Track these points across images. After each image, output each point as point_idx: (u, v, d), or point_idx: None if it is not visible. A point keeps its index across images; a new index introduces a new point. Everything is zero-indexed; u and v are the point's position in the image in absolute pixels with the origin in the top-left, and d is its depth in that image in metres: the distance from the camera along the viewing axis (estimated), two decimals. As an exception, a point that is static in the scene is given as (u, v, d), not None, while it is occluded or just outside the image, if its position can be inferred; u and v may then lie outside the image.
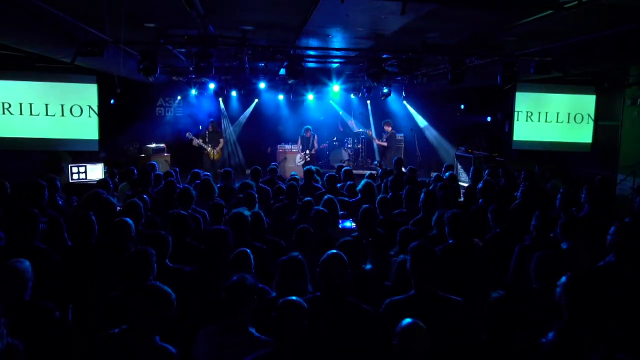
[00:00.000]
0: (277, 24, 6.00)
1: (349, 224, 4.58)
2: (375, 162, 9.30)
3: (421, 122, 14.81)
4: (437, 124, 14.58)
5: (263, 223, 4.77)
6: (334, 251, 3.01)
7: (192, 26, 6.23)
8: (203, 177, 8.46)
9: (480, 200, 6.52)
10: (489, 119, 13.79)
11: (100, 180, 6.96)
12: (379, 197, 5.63)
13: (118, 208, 5.65)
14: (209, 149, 10.96)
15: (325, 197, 5.47)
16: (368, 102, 14.72)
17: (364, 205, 5.06)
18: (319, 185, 7.71)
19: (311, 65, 9.87)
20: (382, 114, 15.10)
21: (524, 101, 9.94)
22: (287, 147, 13.69)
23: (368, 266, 4.00)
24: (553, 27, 6.46)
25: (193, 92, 13.22)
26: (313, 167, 7.80)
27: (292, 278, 3.16)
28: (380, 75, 7.22)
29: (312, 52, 7.97)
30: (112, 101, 11.69)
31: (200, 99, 14.00)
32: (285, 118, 14.75)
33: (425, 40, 7.26)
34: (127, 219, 4.15)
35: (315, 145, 13.00)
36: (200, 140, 10.94)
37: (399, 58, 7.39)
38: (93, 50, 6.42)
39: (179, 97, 13.94)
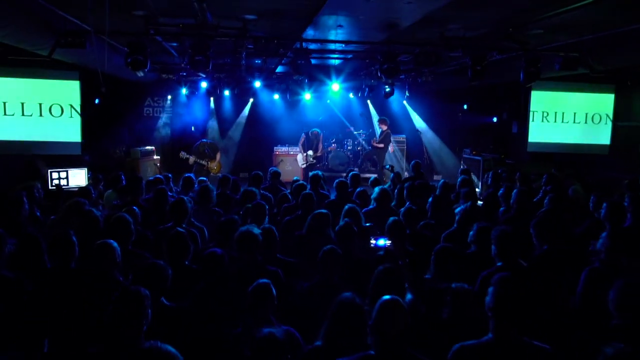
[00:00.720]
0: (285, 12, 5.29)
1: (383, 242, 3.79)
2: (387, 166, 8.62)
3: (418, 122, 14.16)
4: (438, 125, 13.92)
5: (276, 242, 4.06)
6: (391, 297, 2.30)
7: (186, 14, 5.50)
8: (198, 182, 7.72)
9: (501, 209, 5.89)
10: (494, 119, 13.21)
11: (81, 189, 6.17)
12: (404, 208, 4.94)
13: (103, 218, 4.95)
14: (208, 164, 10.16)
15: (347, 206, 4.76)
16: (368, 101, 14.05)
17: (392, 218, 4.37)
18: (326, 192, 7.01)
19: (313, 61, 9.18)
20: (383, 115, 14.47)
21: (539, 100, 9.35)
22: (284, 149, 12.96)
23: (408, 296, 3.31)
24: (586, 18, 5.87)
25: (183, 91, 12.42)
26: (320, 173, 7.09)
27: (349, 328, 2.43)
28: (395, 72, 6.56)
29: (315, 46, 7.26)
30: (96, 101, 10.89)
31: (191, 99, 13.20)
32: (282, 118, 14.00)
33: (443, 33, 6.62)
34: (111, 242, 3.41)
35: (320, 146, 12.08)
36: (194, 158, 10.06)
37: (415, 53, 6.72)
38: (74, 42, 5.65)
39: (169, 97, 13.12)
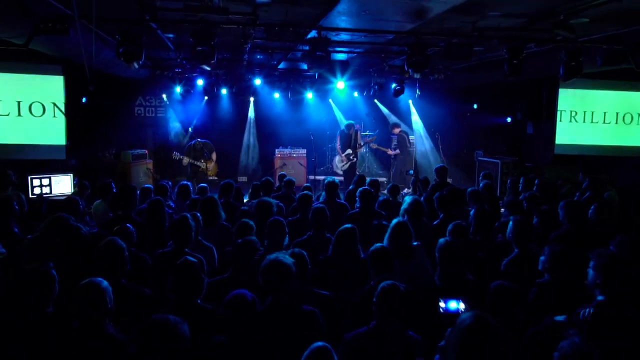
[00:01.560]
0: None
1: (456, 305, 2.70)
2: (411, 172, 7.83)
3: (416, 123, 13.44)
4: (445, 126, 13.15)
5: (308, 271, 3.25)
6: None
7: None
8: (199, 190, 6.88)
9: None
10: (509, 119, 12.50)
11: (66, 200, 5.30)
12: (452, 225, 4.15)
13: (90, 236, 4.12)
14: (202, 165, 9.28)
15: (396, 220, 3.96)
16: (375, 100, 13.29)
17: (443, 240, 3.58)
18: (343, 202, 6.23)
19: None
20: (388, 116, 13.73)
21: (567, 99, 8.64)
22: (286, 151, 12.14)
23: None
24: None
25: (177, 89, 11.54)
26: (337, 179, 6.30)
27: None
28: (425, 65, 5.80)
29: (334, 37, 6.45)
30: (83, 99, 10.00)
31: (187, 98, 12.33)
32: (283, 119, 13.17)
33: (475, 23, 5.86)
34: (100, 282, 2.59)
35: (360, 142, 11.17)
36: (188, 159, 9.16)
37: (443, 45, 5.94)
38: (55, 28, 4.81)
39: (164, 96, 12.23)
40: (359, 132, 11.08)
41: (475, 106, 13.54)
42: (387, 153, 11.93)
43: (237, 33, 5.83)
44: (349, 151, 10.77)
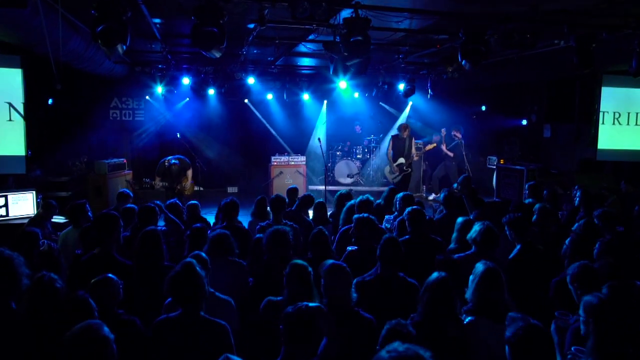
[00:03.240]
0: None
1: None
2: (455, 185, 6.67)
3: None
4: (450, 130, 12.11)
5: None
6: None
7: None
8: (188, 212, 5.57)
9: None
10: (524, 122, 11.55)
11: (23, 233, 3.94)
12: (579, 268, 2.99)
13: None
14: (178, 186, 7.87)
15: (484, 267, 2.79)
16: (381, 103, 12.19)
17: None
18: (379, 224, 5.01)
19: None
20: (390, 116, 12.64)
21: (611, 99, 7.66)
22: (283, 159, 10.87)
23: None
24: None
25: (159, 89, 10.17)
26: (370, 197, 5.10)
27: None
28: (484, 55, 4.66)
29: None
30: (50, 101, 8.55)
31: (170, 99, 10.96)
32: (279, 123, 11.91)
33: (539, 5, 4.77)
34: None
35: (414, 148, 9.42)
36: (162, 182, 7.70)
37: (504, 30, 4.83)
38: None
39: (147, 97, 10.82)
40: (413, 139, 9.42)
41: (483, 108, 12.58)
42: (444, 151, 10.66)
43: (245, 11, 4.60)
44: (402, 160, 9.01)
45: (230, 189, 11.64)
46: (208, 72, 9.32)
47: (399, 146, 9.05)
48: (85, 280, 2.86)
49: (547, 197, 6.34)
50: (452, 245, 4.49)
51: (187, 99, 10.88)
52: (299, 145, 11.54)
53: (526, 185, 6.89)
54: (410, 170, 9.10)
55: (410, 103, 12.17)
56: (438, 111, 11.91)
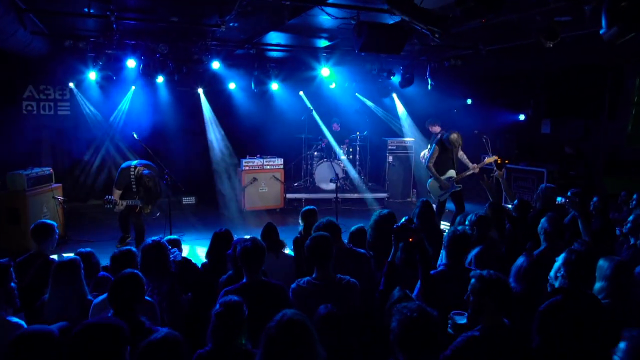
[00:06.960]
0: None
1: None
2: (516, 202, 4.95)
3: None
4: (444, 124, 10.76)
5: None
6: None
7: None
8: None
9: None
10: (522, 116, 10.48)
11: None
12: None
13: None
14: (140, 204, 5.81)
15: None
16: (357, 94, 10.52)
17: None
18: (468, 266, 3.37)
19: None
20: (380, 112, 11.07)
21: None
22: (256, 162, 8.86)
23: None
24: None
25: (92, 75, 7.72)
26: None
27: None
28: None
29: None
30: None
31: (107, 88, 8.53)
32: (249, 118, 9.80)
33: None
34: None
35: (464, 154, 7.13)
36: (125, 202, 5.66)
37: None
38: None
39: (71, 84, 8.32)
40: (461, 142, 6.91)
41: (469, 101, 11.39)
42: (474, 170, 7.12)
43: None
44: (452, 173, 6.76)
45: (187, 200, 9.42)
46: (165, 54, 7.06)
47: (448, 155, 6.83)
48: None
49: (598, 206, 5.19)
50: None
51: (133, 87, 8.52)
52: (275, 145, 9.58)
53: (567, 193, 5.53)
54: (460, 187, 6.81)
55: (394, 95, 10.66)
56: (424, 104, 10.48)
